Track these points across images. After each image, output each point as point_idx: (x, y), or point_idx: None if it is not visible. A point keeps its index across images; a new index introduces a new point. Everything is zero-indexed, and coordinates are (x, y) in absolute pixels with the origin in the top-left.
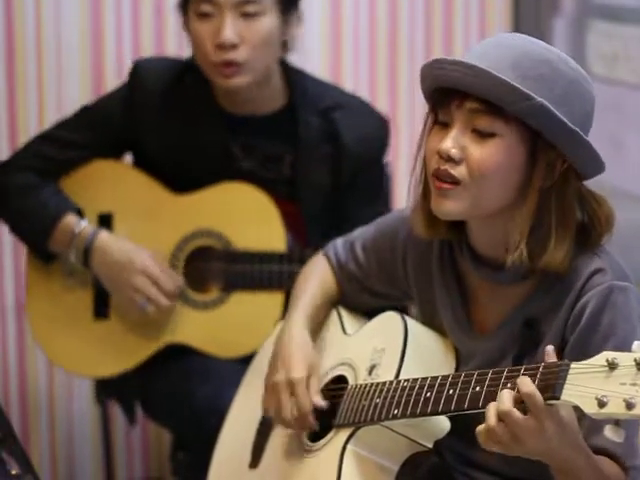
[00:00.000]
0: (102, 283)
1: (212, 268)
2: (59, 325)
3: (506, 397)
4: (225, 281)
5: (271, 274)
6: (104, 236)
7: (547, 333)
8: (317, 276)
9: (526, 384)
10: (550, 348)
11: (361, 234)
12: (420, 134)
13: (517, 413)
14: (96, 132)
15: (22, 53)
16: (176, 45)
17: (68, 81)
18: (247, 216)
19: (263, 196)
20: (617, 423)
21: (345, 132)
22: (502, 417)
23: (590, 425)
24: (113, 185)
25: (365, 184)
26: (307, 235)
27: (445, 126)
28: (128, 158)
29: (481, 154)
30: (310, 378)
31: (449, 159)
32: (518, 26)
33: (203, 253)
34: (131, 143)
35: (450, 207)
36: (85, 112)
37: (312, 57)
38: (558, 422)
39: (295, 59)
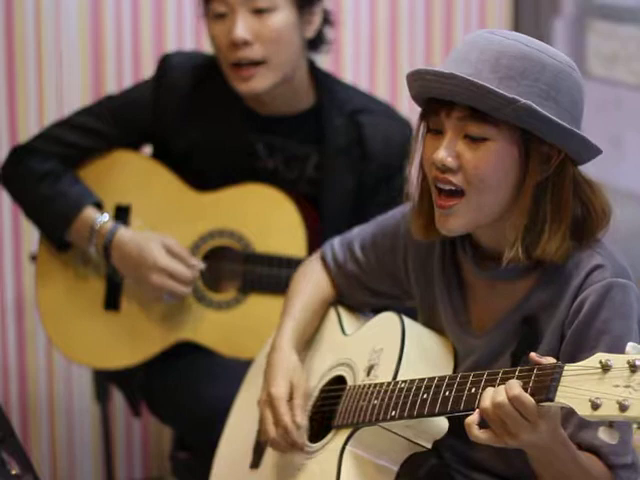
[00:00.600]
0: (126, 279)
1: (230, 268)
2: (68, 313)
3: (502, 389)
4: (243, 282)
5: (289, 279)
6: (121, 232)
7: (546, 330)
8: (311, 280)
9: (513, 387)
10: (534, 355)
11: (359, 233)
12: (414, 141)
13: (509, 405)
14: (120, 124)
15: (22, 53)
16: (176, 45)
17: (68, 81)
18: (269, 219)
19: (286, 199)
20: (611, 425)
21: (371, 136)
22: (496, 408)
23: (579, 421)
24: (133, 177)
25: (388, 190)
26: (324, 237)
27: (438, 133)
28: (148, 150)
29: (476, 159)
30: (293, 394)
31: (446, 169)
32: (518, 26)
33: (221, 253)
34: (154, 137)
35: (455, 224)
36: (110, 102)
37: (312, 57)
38: (550, 420)
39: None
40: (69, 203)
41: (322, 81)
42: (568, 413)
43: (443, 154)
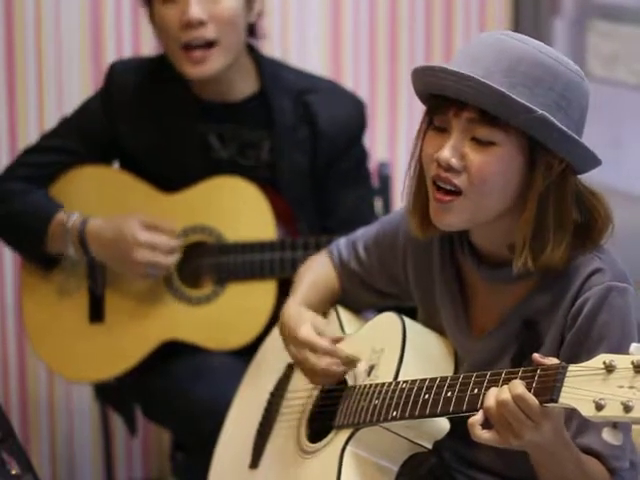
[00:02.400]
0: (109, 265)
1: (206, 263)
2: (55, 331)
3: (506, 388)
4: (218, 274)
5: (263, 263)
6: (92, 221)
7: (546, 333)
8: (318, 271)
9: (516, 386)
10: (537, 356)
11: (364, 233)
12: (416, 136)
13: (514, 404)
14: (81, 138)
15: (22, 53)
16: None
17: (68, 81)
18: (236, 208)
19: (250, 185)
20: (615, 426)
21: (320, 115)
22: (500, 406)
23: (580, 423)
24: (99, 189)
25: (344, 166)
26: (295, 219)
27: (442, 131)
28: (115, 165)
29: (481, 162)
30: (316, 326)
31: (450, 168)
32: (518, 26)
33: (196, 249)
34: (115, 146)
35: (451, 220)
36: (66, 120)
37: (312, 57)
38: (553, 420)
39: (295, 59)
40: (42, 213)
41: (264, 65)
42: (567, 417)
43: (448, 154)
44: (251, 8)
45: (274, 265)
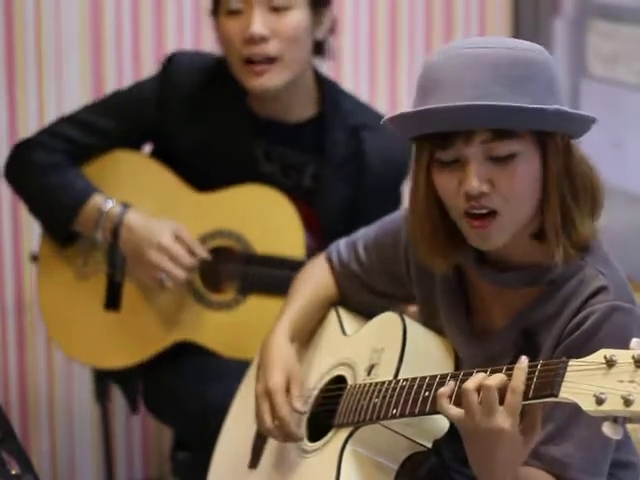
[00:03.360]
0: (128, 260)
1: (229, 269)
2: (69, 312)
3: (499, 376)
4: (242, 283)
5: (288, 280)
6: (132, 214)
7: (544, 344)
8: (314, 279)
9: (518, 379)
10: (522, 358)
11: (364, 234)
12: (414, 176)
13: (495, 393)
14: (123, 121)
15: (22, 53)
16: (176, 45)
17: (68, 81)
18: (269, 220)
19: (286, 201)
20: (615, 420)
21: (371, 153)
22: (484, 389)
23: (553, 432)
24: (133, 177)
25: (381, 207)
26: (326, 240)
27: (452, 163)
28: (147, 148)
29: (509, 179)
30: (290, 385)
31: (482, 196)
32: (518, 26)
33: (221, 253)
34: (155, 135)
35: (495, 241)
36: (114, 98)
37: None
38: (514, 433)
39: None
40: (77, 191)
41: (327, 90)
42: (544, 420)
43: (476, 184)
44: (319, 23)
45: None
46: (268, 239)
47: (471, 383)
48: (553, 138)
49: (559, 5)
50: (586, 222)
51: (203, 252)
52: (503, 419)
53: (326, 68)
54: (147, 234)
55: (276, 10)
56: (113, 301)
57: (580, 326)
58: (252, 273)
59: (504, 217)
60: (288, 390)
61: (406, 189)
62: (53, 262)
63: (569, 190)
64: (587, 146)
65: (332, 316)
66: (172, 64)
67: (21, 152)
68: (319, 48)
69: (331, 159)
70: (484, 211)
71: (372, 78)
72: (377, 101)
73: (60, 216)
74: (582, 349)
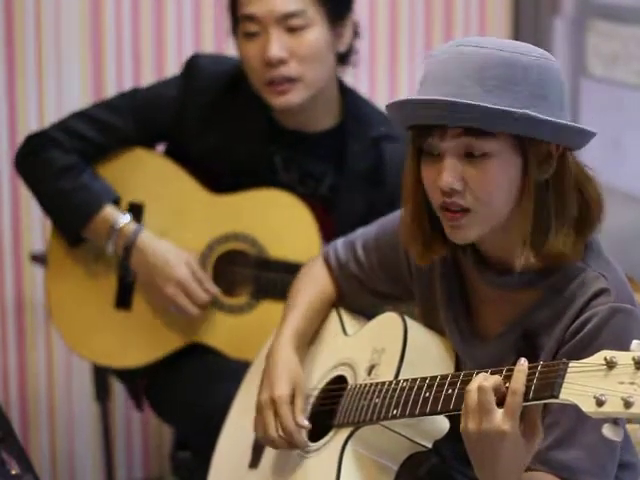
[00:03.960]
0: (138, 280)
1: (243, 273)
2: (79, 310)
3: (494, 378)
4: (256, 288)
5: None
6: (144, 236)
7: (545, 346)
8: (313, 282)
9: (518, 380)
10: (522, 360)
11: (362, 234)
12: (406, 163)
13: (491, 395)
14: (139, 122)
15: (22, 52)
16: (176, 45)
17: (68, 81)
18: (284, 225)
19: (302, 205)
20: (615, 422)
21: (390, 164)
22: (479, 390)
23: (561, 436)
24: (149, 175)
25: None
26: None
27: (434, 156)
28: (161, 147)
29: (481, 177)
30: (295, 396)
31: (453, 192)
32: (518, 26)
33: (235, 256)
34: (171, 137)
35: (468, 235)
36: (133, 98)
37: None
38: (515, 434)
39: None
40: (90, 199)
41: (349, 100)
42: (550, 425)
43: (448, 178)
44: (340, 36)
45: None
46: (283, 244)
47: (471, 385)
48: (535, 145)
49: (559, 5)
50: (564, 238)
51: (214, 288)
52: (502, 420)
53: None
54: (159, 263)
55: (292, 30)
56: (124, 300)
57: (581, 329)
58: (266, 278)
59: (477, 214)
60: (292, 402)
61: None
62: (63, 259)
63: (554, 203)
64: (587, 146)
65: (333, 316)
66: (194, 68)
67: (35, 147)
68: (343, 59)
69: (350, 170)
70: (458, 209)
71: (372, 78)
72: (377, 101)
73: (70, 220)
74: (583, 352)
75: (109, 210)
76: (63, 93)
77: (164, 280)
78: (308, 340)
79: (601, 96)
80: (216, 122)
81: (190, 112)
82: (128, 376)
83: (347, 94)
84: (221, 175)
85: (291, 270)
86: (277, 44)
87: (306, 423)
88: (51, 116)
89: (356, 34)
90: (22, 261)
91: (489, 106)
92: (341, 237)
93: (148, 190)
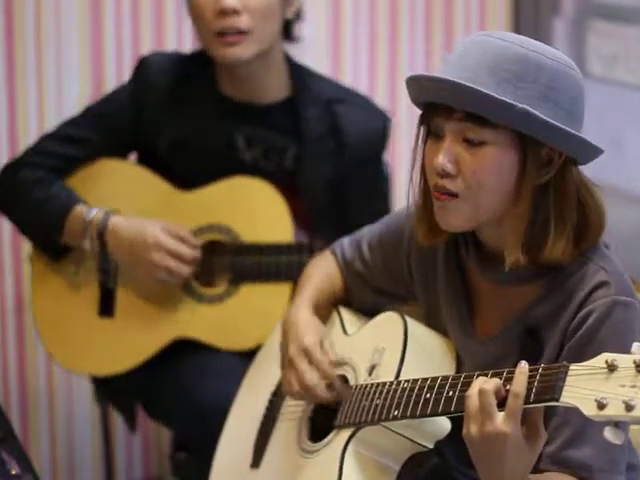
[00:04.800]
0: (121, 265)
1: (221, 262)
2: (64, 324)
3: (493, 380)
4: (233, 274)
5: (279, 265)
6: (115, 218)
7: (548, 341)
8: (324, 269)
9: (519, 383)
10: (523, 363)
11: (368, 232)
12: (414, 145)
13: (492, 398)
14: (103, 130)
15: (22, 53)
16: (176, 45)
17: (68, 81)
18: (254, 209)
19: (269, 188)
20: (617, 425)
21: (347, 126)
22: (480, 393)
23: (572, 435)
24: (118, 183)
25: (365, 179)
26: (313, 226)
27: (439, 138)
28: (133, 157)
29: (474, 164)
30: (322, 342)
31: (445, 174)
32: (518, 26)
33: (211, 248)
34: (138, 140)
35: (453, 221)
36: (90, 110)
37: (312, 55)
38: (517, 437)
39: (295, 57)
40: (61, 203)
41: (297, 71)
42: (560, 425)
43: (442, 159)
44: (289, 4)
45: (291, 268)
46: (255, 228)
47: (471, 389)
48: (535, 147)
49: (559, 5)
50: (563, 247)
51: (196, 240)
52: (504, 423)
53: (326, 66)
54: (135, 235)
55: None
56: (107, 308)
57: (583, 324)
58: (241, 262)
59: (465, 202)
60: (322, 346)
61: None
62: (45, 274)
63: (554, 210)
64: None
65: (333, 315)
66: (143, 67)
67: (7, 174)
68: (287, 29)
69: (309, 137)
70: (446, 191)
71: (372, 78)
72: (377, 101)
73: (47, 229)
74: (586, 347)
75: (79, 209)
76: (63, 93)
77: (145, 249)
78: (319, 314)
79: (601, 96)
80: (173, 113)
81: (146, 110)
82: (123, 403)
83: (295, 67)
84: (189, 166)
85: (265, 252)
86: None
87: (337, 359)
88: (51, 116)
89: (299, 15)
90: (22, 261)
91: (491, 94)
92: (309, 209)
93: (120, 197)
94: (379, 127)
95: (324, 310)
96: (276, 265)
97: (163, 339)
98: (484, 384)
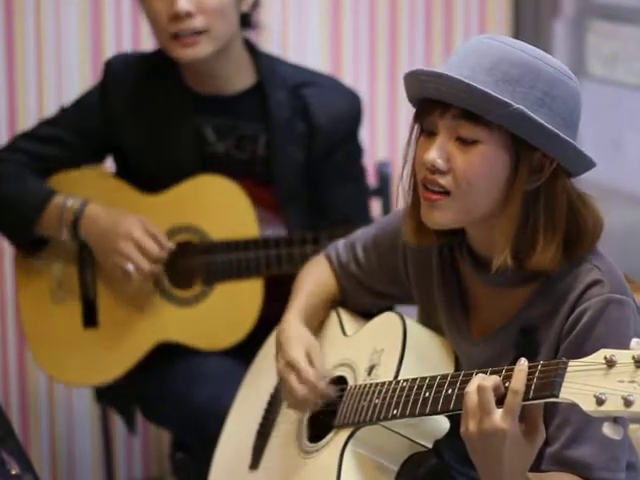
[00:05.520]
0: (93, 252)
1: (192, 263)
2: (52, 339)
3: (492, 377)
4: (206, 274)
5: (249, 261)
6: (93, 206)
7: (544, 341)
8: (316, 276)
9: (519, 380)
10: (522, 360)
11: (362, 234)
12: (406, 143)
13: (491, 394)
14: (77, 131)
15: (22, 53)
16: None
17: (68, 81)
18: (218, 206)
19: (231, 184)
20: (615, 421)
21: (316, 109)
22: (479, 390)
23: (573, 434)
24: (83, 191)
25: (337, 161)
26: (284, 216)
27: (431, 135)
28: (109, 164)
29: (466, 163)
30: (310, 354)
31: (435, 170)
32: (518, 26)
33: (182, 250)
34: (109, 141)
35: (439, 218)
36: (65, 111)
37: (312, 56)
38: (516, 434)
39: (295, 57)
40: (39, 194)
41: (261, 59)
42: (560, 425)
43: (434, 155)
44: None
45: (260, 263)
46: (222, 225)
47: (470, 386)
48: (528, 151)
49: (559, 5)
50: (551, 256)
51: (168, 243)
52: (502, 420)
53: (325, 66)
54: (110, 224)
55: None
56: (90, 318)
57: (577, 323)
58: (213, 262)
59: (453, 201)
60: (310, 360)
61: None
62: (28, 290)
63: (543, 217)
64: (587, 147)
65: (333, 317)
66: (108, 68)
67: None
68: (245, 21)
69: (277, 121)
70: (436, 188)
71: (372, 78)
72: (377, 99)
73: (23, 220)
74: (582, 346)
75: (58, 198)
76: (63, 93)
77: (116, 237)
78: (314, 323)
79: (601, 96)
80: (140, 111)
81: (114, 111)
82: (122, 405)
83: (258, 54)
84: (160, 165)
85: (235, 248)
86: None
87: (326, 372)
88: (51, 114)
89: (256, 4)
90: None
91: (488, 91)
92: (281, 196)
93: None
94: (348, 107)
95: (320, 313)
96: (246, 261)
97: (146, 345)
98: (483, 381)
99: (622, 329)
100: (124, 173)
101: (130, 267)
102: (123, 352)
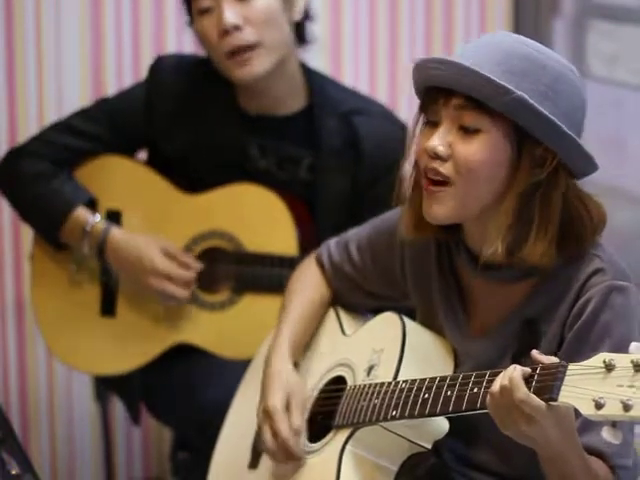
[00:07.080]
0: (121, 276)
1: (222, 269)
2: (65, 321)
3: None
4: (236, 283)
5: (281, 278)
6: (115, 234)
7: (546, 332)
8: (307, 283)
9: (519, 389)
10: (535, 352)
11: (355, 234)
12: (409, 136)
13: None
14: (113, 127)
15: (22, 53)
16: (176, 45)
17: (68, 81)
18: (259, 218)
19: (275, 198)
20: (614, 425)
21: (365, 138)
22: (502, 389)
23: (583, 422)
24: (123, 182)
25: (380, 192)
26: (319, 238)
27: (434, 125)
28: (142, 155)
29: (467, 151)
30: (289, 404)
31: (436, 157)
32: (518, 26)
33: (213, 254)
34: (147, 141)
35: (440, 211)
36: (104, 105)
37: (312, 56)
38: (555, 417)
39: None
40: (61, 202)
41: (314, 81)
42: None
43: (435, 142)
44: (291, 5)
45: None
46: (259, 237)
47: (496, 386)
48: (531, 144)
49: (559, 5)
50: (542, 251)
51: (195, 263)
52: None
53: (326, 66)
54: (133, 257)
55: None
56: (109, 307)
57: (583, 311)
58: (245, 272)
59: (454, 190)
60: (289, 408)
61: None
62: (46, 271)
63: (539, 210)
64: (587, 146)
65: (332, 316)
66: (158, 68)
67: (10, 161)
68: (299, 32)
69: (326, 148)
70: (438, 177)
71: (372, 77)
72: (377, 100)
73: (46, 226)
74: (589, 334)
75: (80, 212)
76: (63, 93)
77: (143, 274)
78: (304, 343)
79: (601, 96)
80: (186, 119)
81: (159, 113)
82: (124, 389)
83: (312, 75)
84: (200, 172)
85: (269, 263)
86: (229, 12)
87: (301, 426)
88: (51, 116)
89: (307, 14)
90: (22, 261)
91: (492, 78)
92: (320, 221)
93: (124, 197)
94: (397, 139)
95: (311, 329)
96: (279, 277)
97: (163, 344)
98: (514, 371)
99: (626, 315)
100: (156, 164)
101: (170, 302)
102: (138, 347)
